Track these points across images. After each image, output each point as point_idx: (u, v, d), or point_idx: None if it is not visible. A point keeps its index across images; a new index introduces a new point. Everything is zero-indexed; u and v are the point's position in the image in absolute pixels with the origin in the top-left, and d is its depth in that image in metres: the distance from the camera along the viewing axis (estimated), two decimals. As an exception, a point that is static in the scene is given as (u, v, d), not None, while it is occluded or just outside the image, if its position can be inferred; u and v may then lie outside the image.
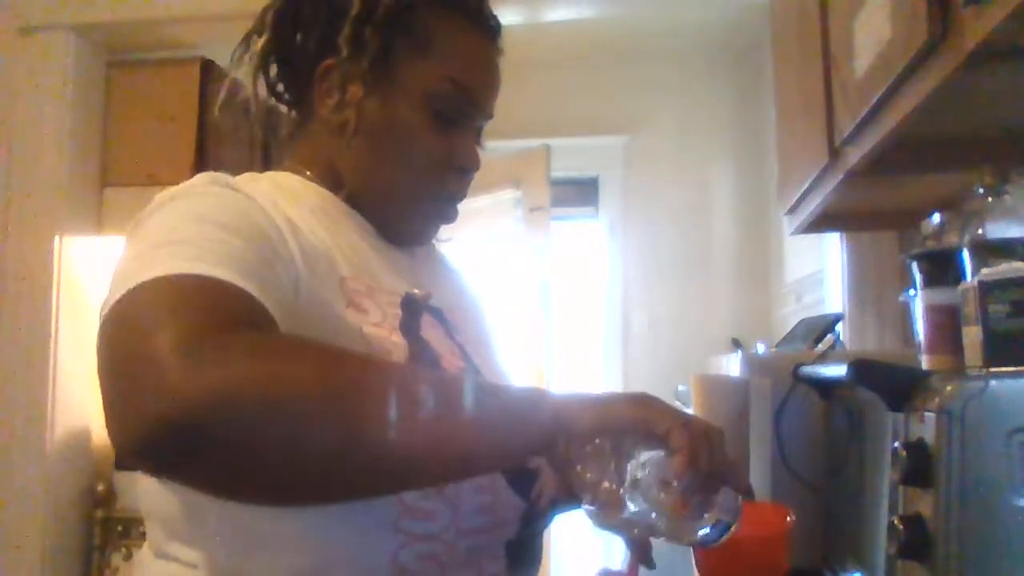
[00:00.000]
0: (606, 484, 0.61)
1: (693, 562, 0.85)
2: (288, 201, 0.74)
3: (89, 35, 2.58)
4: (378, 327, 0.73)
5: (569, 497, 0.89)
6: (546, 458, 0.63)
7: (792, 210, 1.74)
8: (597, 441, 0.61)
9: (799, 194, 1.60)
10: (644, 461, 0.61)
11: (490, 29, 0.84)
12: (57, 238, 2.49)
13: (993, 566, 0.72)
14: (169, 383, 0.50)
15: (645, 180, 3.41)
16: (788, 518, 0.85)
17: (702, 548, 0.70)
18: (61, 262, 2.49)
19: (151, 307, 0.56)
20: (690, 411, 1.89)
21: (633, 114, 3.44)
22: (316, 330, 0.67)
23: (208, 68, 2.58)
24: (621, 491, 0.61)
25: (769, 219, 3.16)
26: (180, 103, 2.56)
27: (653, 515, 0.62)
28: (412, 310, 0.79)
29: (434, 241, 0.93)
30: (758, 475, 1.36)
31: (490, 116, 0.86)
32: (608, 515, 0.62)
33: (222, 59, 2.75)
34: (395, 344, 0.73)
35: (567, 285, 3.32)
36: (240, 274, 0.60)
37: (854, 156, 1.19)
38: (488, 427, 0.61)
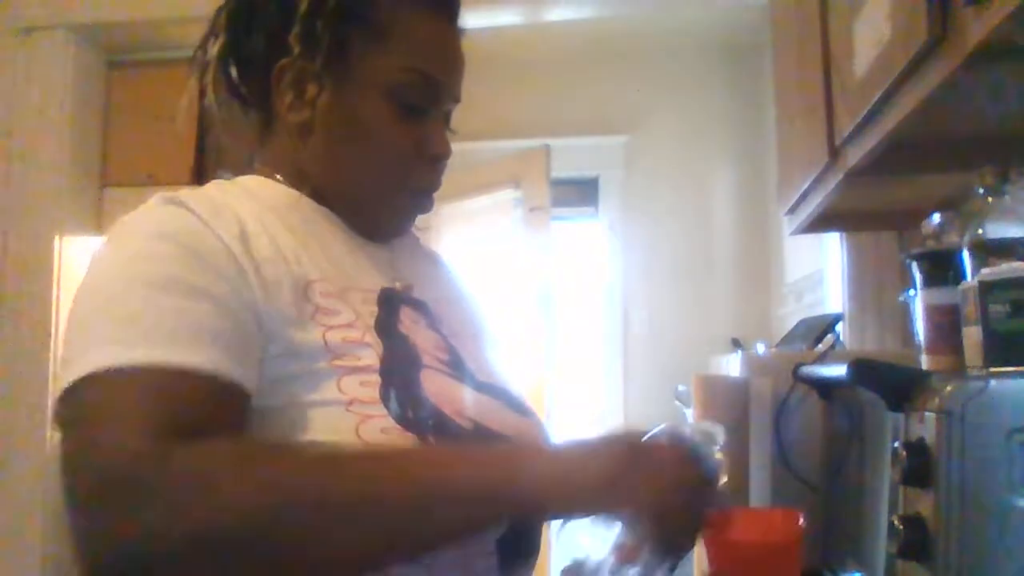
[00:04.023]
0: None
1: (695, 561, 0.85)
2: (254, 208, 0.74)
3: (89, 35, 2.58)
4: (348, 328, 0.72)
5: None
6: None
7: (792, 210, 1.74)
8: None
9: (799, 194, 1.60)
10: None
11: (448, 10, 0.82)
12: (57, 238, 2.49)
13: (993, 566, 0.72)
14: (115, 531, 0.55)
15: (645, 180, 3.40)
16: (799, 524, 0.84)
17: None
18: (61, 262, 2.49)
19: (108, 418, 0.60)
20: (690, 412, 1.89)
21: (633, 114, 3.44)
22: (278, 348, 0.68)
23: (208, 68, 2.58)
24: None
25: (769, 219, 3.16)
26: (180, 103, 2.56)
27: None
28: (390, 306, 0.78)
29: (417, 233, 0.92)
30: (758, 475, 1.36)
31: (458, 100, 0.84)
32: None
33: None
34: (367, 345, 0.72)
35: (567, 285, 3.32)
36: (214, 349, 0.63)
37: (854, 156, 1.19)
38: (453, 518, 0.63)
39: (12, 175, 2.51)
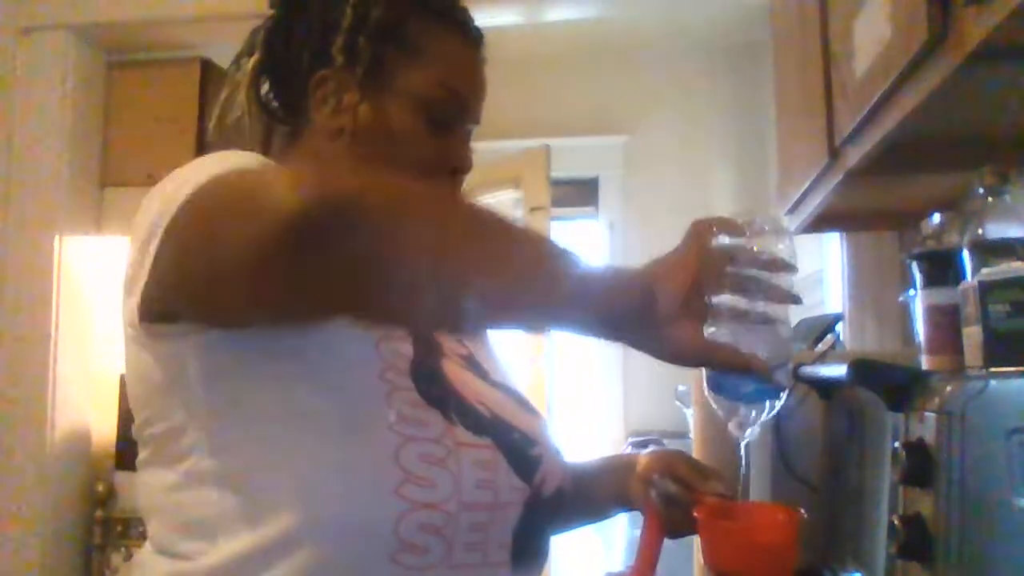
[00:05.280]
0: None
1: (695, 558, 0.85)
2: None
3: (89, 35, 2.58)
4: None
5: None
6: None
7: (792, 210, 1.74)
8: None
9: (799, 194, 1.60)
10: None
11: (476, 38, 0.89)
12: (57, 238, 2.49)
13: (993, 566, 0.72)
14: (305, 184, 0.55)
15: (645, 180, 3.40)
16: (797, 517, 0.85)
17: (736, 397, 0.82)
18: (61, 262, 2.49)
19: (249, 172, 0.63)
20: (690, 412, 1.89)
21: (633, 114, 3.43)
22: None
23: (208, 68, 2.58)
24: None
25: (769, 219, 3.15)
26: (180, 103, 2.56)
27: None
28: None
29: None
30: (758, 475, 1.36)
31: (478, 121, 0.90)
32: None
33: (222, 59, 2.75)
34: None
35: (567, 285, 3.31)
36: None
37: (854, 156, 1.19)
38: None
39: (12, 175, 2.51)
